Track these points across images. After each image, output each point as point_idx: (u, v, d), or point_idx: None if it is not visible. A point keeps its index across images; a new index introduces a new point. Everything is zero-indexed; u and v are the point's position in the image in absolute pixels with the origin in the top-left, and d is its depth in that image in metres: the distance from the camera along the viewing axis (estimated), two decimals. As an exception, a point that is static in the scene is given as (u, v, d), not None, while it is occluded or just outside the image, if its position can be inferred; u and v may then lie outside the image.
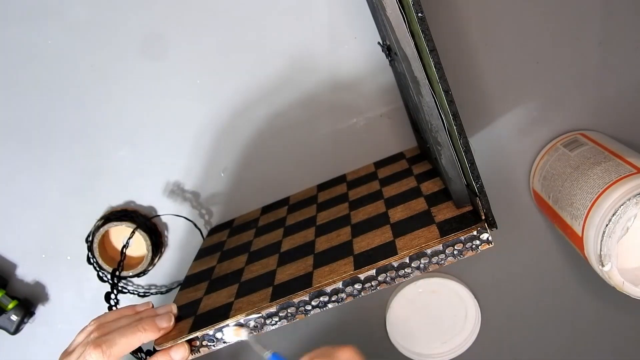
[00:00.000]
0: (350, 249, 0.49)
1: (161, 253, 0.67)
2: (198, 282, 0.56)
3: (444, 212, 0.48)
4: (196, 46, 0.61)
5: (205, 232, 0.67)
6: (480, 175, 0.43)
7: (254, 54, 0.61)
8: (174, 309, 0.50)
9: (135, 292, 0.67)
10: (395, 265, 0.44)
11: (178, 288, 0.67)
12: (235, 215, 0.67)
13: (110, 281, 0.56)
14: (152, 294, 0.68)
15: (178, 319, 0.50)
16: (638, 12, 0.59)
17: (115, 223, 0.63)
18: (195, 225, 0.66)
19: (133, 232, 0.62)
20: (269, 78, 0.62)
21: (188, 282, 0.57)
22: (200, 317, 0.49)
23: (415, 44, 0.42)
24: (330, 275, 0.46)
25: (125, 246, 0.59)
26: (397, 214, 0.51)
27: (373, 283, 0.45)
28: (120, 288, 0.66)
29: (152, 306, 0.51)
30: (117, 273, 0.58)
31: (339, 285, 0.45)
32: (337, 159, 0.65)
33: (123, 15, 0.60)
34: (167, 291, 0.68)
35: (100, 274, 0.65)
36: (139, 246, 0.66)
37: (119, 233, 0.66)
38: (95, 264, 0.64)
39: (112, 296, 0.55)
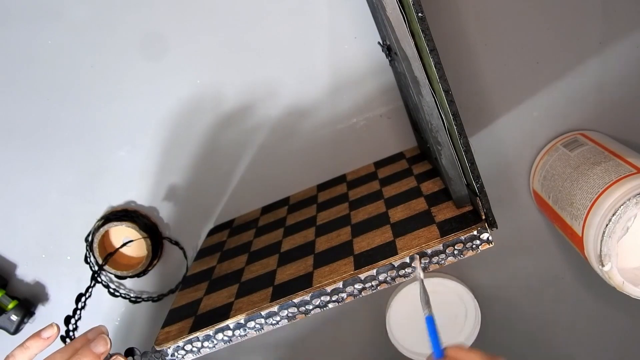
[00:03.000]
0: (351, 249, 0.49)
1: (161, 254, 0.67)
2: (198, 282, 0.56)
3: (444, 212, 0.48)
4: (196, 46, 0.61)
5: (204, 235, 0.67)
6: (480, 175, 0.43)
7: (254, 54, 0.61)
8: (104, 329, 0.45)
9: (127, 297, 0.67)
10: (396, 265, 0.44)
11: (170, 295, 0.67)
12: (235, 215, 0.67)
13: (94, 281, 0.55)
14: (143, 299, 0.68)
15: (178, 319, 0.50)
16: (638, 12, 0.59)
17: (115, 223, 0.63)
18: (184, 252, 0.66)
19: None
20: (269, 78, 0.62)
21: (188, 282, 0.57)
22: (201, 317, 0.49)
23: (416, 44, 0.42)
24: (330, 275, 0.46)
25: (120, 247, 0.58)
26: (397, 213, 0.51)
27: (373, 283, 0.45)
28: (113, 288, 0.67)
29: (58, 330, 0.45)
30: (102, 265, 0.56)
31: (339, 285, 0.45)
32: (337, 159, 0.65)
33: (123, 15, 0.60)
34: (158, 298, 0.68)
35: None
36: (139, 247, 0.66)
37: (119, 233, 0.66)
38: (93, 264, 0.64)
39: (72, 320, 0.51)
